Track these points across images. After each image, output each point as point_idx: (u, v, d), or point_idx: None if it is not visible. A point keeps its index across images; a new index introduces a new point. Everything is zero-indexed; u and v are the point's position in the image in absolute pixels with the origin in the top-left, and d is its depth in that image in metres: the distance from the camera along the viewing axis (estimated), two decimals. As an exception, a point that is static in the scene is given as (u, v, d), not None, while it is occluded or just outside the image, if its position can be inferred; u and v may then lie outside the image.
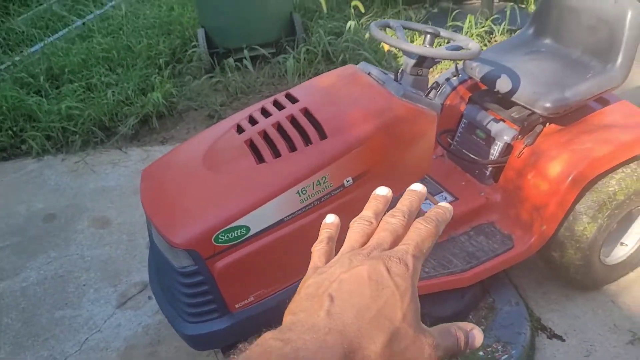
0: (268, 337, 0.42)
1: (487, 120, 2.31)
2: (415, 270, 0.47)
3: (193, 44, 4.31)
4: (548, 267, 2.33)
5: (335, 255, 0.51)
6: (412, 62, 1.94)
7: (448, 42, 2.01)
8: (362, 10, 4.23)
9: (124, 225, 3.07)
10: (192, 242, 1.68)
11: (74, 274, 2.80)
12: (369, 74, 1.99)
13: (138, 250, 2.90)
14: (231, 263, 1.73)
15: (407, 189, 0.54)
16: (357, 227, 0.52)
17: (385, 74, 1.99)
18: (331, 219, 0.56)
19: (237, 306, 1.80)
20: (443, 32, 1.96)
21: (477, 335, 0.49)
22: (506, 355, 2.00)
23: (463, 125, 2.40)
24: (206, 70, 4.18)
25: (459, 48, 1.95)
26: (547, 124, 2.20)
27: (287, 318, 0.46)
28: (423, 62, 1.93)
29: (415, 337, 0.45)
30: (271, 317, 1.88)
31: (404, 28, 2.03)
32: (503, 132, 2.25)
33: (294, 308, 0.46)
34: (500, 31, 4.17)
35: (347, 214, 1.93)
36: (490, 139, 2.29)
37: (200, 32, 4.12)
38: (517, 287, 2.34)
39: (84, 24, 4.87)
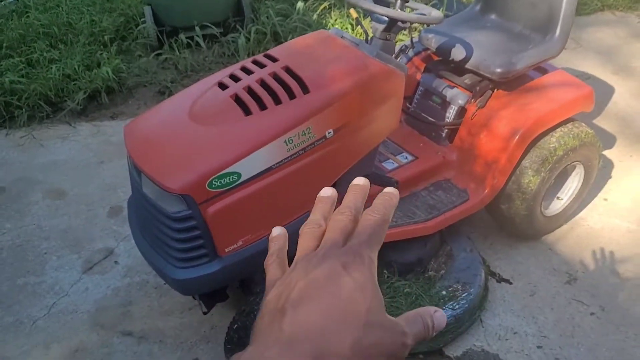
0: (235, 358, 0.42)
1: (442, 86, 2.53)
2: (371, 261, 0.47)
3: (138, 21, 4.28)
4: (496, 219, 2.59)
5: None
6: (382, 27, 2.11)
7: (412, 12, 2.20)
8: (310, -7, 4.38)
9: (80, 196, 3.04)
10: (187, 187, 1.76)
11: (32, 243, 2.76)
12: (341, 37, 2.15)
13: (99, 219, 2.90)
14: (223, 208, 1.82)
15: (350, 184, 0.54)
16: (307, 232, 0.51)
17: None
18: (277, 231, 0.55)
19: (226, 250, 1.89)
20: (410, 2, 2.14)
21: (441, 318, 0.49)
22: (466, 293, 2.22)
23: (420, 92, 2.61)
24: (153, 47, 4.16)
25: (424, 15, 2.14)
26: (496, 89, 2.45)
27: (253, 337, 0.45)
28: (392, 28, 2.10)
29: (384, 328, 0.45)
30: (258, 261, 2.00)
31: (372, -2, 2.20)
32: (457, 97, 2.48)
33: (258, 326, 0.46)
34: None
35: (329, 163, 2.12)
36: (445, 104, 2.52)
37: (147, 10, 4.10)
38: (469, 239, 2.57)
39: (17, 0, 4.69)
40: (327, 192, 0.54)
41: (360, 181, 0.54)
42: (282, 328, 0.43)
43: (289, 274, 0.48)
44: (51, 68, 3.79)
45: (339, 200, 0.53)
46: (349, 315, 0.43)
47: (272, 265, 0.52)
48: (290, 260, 0.52)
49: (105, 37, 4.17)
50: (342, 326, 0.43)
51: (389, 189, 0.53)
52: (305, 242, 0.51)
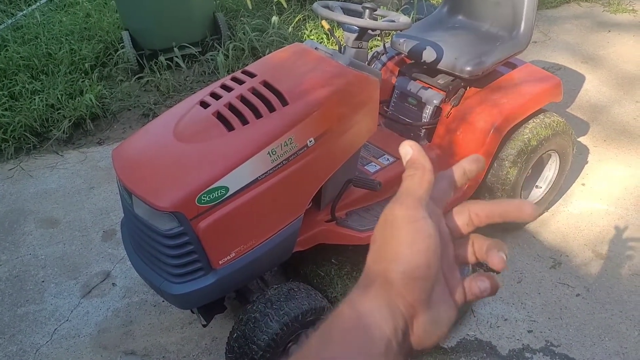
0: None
1: (416, 88, 2.62)
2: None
3: (117, 47, 4.35)
4: (479, 212, 2.67)
5: None
6: (353, 36, 2.20)
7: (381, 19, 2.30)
8: (285, 6, 4.47)
9: (73, 222, 3.09)
10: (177, 205, 1.82)
11: (30, 273, 2.80)
12: (315, 49, 2.23)
13: (93, 244, 2.95)
14: (213, 222, 1.88)
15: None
16: None
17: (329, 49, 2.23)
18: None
19: (220, 262, 1.95)
20: (379, 10, 2.24)
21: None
22: (455, 285, 2.30)
23: (396, 96, 2.70)
24: (134, 71, 4.23)
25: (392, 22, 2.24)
26: (468, 87, 2.54)
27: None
28: (363, 36, 2.19)
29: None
30: (252, 270, 2.06)
31: (341, 8, 2.29)
32: (432, 97, 2.57)
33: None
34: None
35: (313, 170, 2.20)
36: (421, 105, 2.61)
37: (125, 34, 4.17)
38: (454, 233, 2.65)
39: (-5, 34, 4.74)
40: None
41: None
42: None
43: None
44: (34, 99, 3.85)
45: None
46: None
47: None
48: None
49: (86, 65, 4.23)
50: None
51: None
52: None
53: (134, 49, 4.15)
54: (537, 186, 2.74)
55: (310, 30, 4.45)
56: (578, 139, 2.92)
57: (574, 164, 2.80)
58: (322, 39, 4.35)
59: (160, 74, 4.13)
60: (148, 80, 4.16)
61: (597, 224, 2.75)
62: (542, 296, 2.43)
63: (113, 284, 2.71)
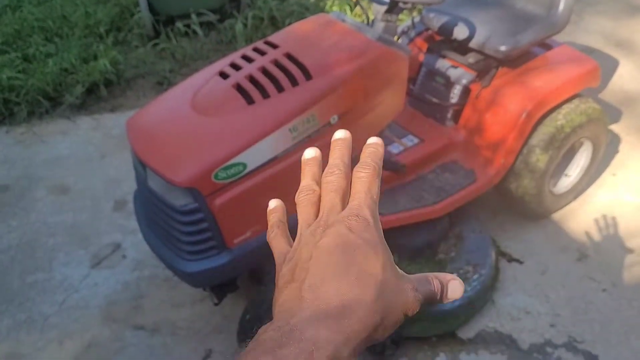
0: (261, 332, 0.42)
1: (445, 67, 2.49)
2: (375, 219, 0.47)
3: (133, 11, 4.23)
4: (505, 198, 2.57)
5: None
6: (383, 9, 2.07)
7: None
8: (307, -25, 4.32)
9: (85, 191, 3.03)
10: (193, 180, 1.74)
11: (40, 241, 2.75)
12: (342, 21, 2.11)
13: (104, 214, 2.88)
14: (230, 199, 1.80)
15: (332, 139, 0.53)
16: (302, 200, 0.50)
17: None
18: (274, 203, 0.55)
19: (235, 242, 1.88)
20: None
21: (457, 286, 0.49)
22: (477, 275, 2.21)
23: (423, 73, 2.57)
24: (149, 37, 4.12)
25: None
26: (500, 67, 2.41)
27: (275, 310, 0.45)
28: (393, 9, 2.06)
29: (398, 282, 0.45)
30: (267, 251, 1.99)
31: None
32: (461, 77, 2.44)
33: (277, 299, 0.46)
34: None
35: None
36: (449, 84, 2.48)
37: (142, -1, 4.04)
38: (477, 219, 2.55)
39: (10, -6, 4.63)
40: (311, 152, 0.53)
41: (341, 134, 0.53)
42: (303, 297, 0.43)
43: (297, 246, 0.47)
44: (48, 62, 3.75)
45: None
46: (365, 276, 0.44)
47: (276, 239, 0.52)
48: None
49: (101, 29, 4.12)
50: (362, 287, 0.43)
51: (372, 139, 0.52)
52: (304, 210, 0.50)
53: (150, 14, 4.02)
54: (566, 174, 2.62)
55: (333, 2, 4.30)
56: (610, 127, 2.78)
57: (604, 152, 2.68)
58: (345, 11, 4.20)
59: (177, 41, 4.02)
60: (164, 47, 4.04)
61: (626, 217, 2.64)
62: (566, 290, 2.34)
63: (123, 255, 2.65)
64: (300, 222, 0.49)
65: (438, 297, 0.48)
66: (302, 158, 0.53)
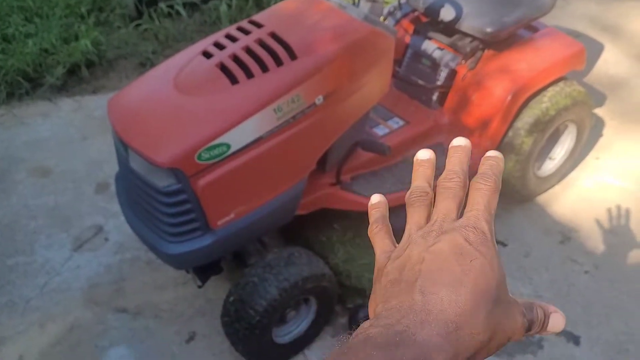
0: (366, 326, 0.41)
1: (431, 48, 2.47)
2: (492, 234, 0.45)
3: (116, -9, 4.15)
4: (489, 182, 2.57)
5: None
6: (370, -12, 2.04)
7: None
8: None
9: (66, 173, 2.98)
10: (176, 161, 1.72)
11: (20, 223, 2.71)
12: (328, 0, 2.08)
13: (86, 196, 2.84)
14: (213, 180, 1.78)
15: (451, 145, 0.51)
16: (414, 201, 0.49)
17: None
18: (376, 198, 0.54)
19: (219, 223, 1.85)
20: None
21: (559, 319, 0.47)
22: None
23: (409, 55, 2.56)
24: (132, 18, 4.04)
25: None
26: (487, 49, 2.40)
27: (378, 307, 0.44)
28: (379, -12, 2.04)
29: (509, 305, 0.44)
30: (251, 232, 1.97)
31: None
32: (447, 59, 2.42)
33: (381, 297, 0.44)
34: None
35: (320, 131, 2.06)
36: (435, 66, 2.47)
37: (125, -22, 3.96)
38: (462, 203, 2.56)
39: (-12, -29, 4.51)
40: (426, 154, 0.52)
41: (461, 142, 0.51)
42: (414, 299, 0.42)
43: (405, 246, 0.46)
44: (28, 43, 3.66)
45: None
46: (480, 290, 0.42)
47: (379, 235, 0.51)
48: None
49: (82, 9, 4.02)
50: (476, 301, 0.41)
51: (492, 152, 0.50)
52: (416, 212, 0.48)
53: (132, -6, 3.95)
54: (550, 158, 2.63)
55: (319, -17, 4.25)
56: (594, 111, 2.79)
57: (588, 136, 2.69)
58: (330, -8, 4.15)
59: (160, 22, 3.95)
60: (146, 28, 3.97)
61: (609, 199, 2.66)
62: (549, 272, 2.36)
63: (105, 238, 2.62)
64: (410, 224, 0.48)
65: (538, 328, 0.46)
66: (415, 159, 0.52)
